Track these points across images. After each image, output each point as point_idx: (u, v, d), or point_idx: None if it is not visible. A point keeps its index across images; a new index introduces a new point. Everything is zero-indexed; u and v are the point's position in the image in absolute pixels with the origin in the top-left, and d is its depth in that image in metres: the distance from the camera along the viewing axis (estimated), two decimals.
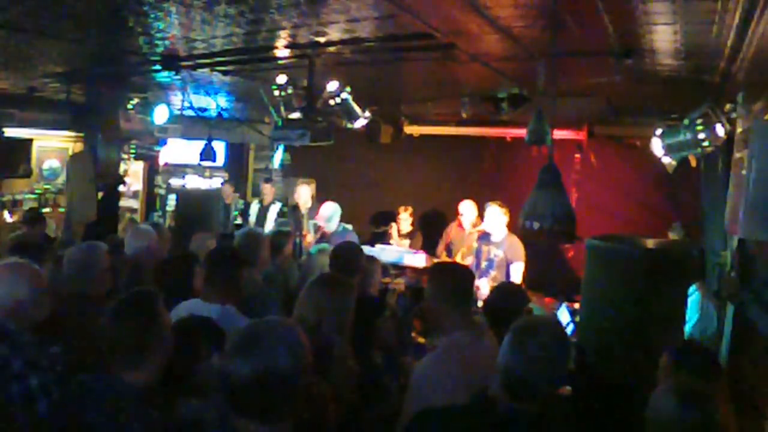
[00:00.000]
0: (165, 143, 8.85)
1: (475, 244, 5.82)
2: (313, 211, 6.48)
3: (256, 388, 1.57)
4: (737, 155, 3.56)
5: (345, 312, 2.69)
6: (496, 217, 5.58)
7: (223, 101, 6.82)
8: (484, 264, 5.59)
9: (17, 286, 2.45)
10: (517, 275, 5.37)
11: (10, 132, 6.49)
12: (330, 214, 5.90)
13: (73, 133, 7.77)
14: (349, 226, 6.05)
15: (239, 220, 8.26)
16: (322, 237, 5.91)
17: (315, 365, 1.72)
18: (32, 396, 2.26)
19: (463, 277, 2.73)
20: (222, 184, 8.98)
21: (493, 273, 5.44)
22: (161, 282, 3.28)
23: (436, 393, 2.32)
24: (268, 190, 8.11)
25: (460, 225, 6.39)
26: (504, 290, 3.52)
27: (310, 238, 6.35)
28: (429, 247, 6.55)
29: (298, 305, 2.74)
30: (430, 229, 7.12)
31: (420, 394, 2.40)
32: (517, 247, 5.46)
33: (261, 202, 8.10)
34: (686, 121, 3.97)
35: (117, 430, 1.92)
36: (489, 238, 5.67)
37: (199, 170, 9.26)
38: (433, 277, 2.76)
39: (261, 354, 1.58)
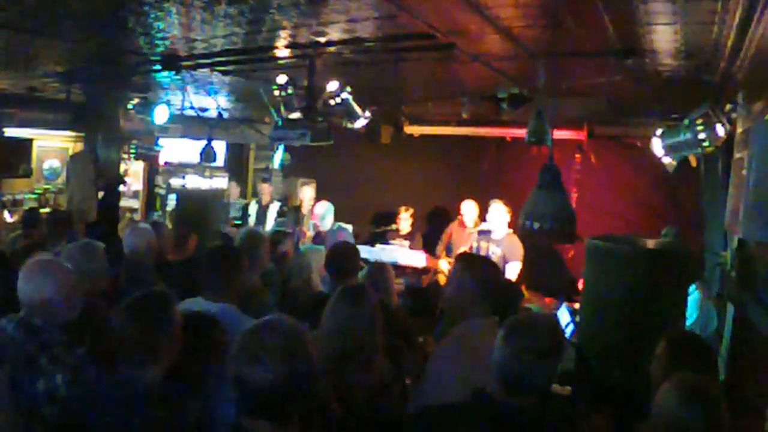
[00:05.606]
0: (165, 143, 8.84)
1: (475, 243, 5.80)
2: None
3: (271, 392, 1.57)
4: (737, 155, 3.56)
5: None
6: (499, 214, 5.58)
7: (223, 101, 6.81)
8: None
9: (45, 284, 2.43)
10: (512, 274, 5.35)
11: (10, 132, 6.49)
12: (323, 212, 6.03)
13: (73, 133, 7.74)
14: (348, 226, 6.07)
15: (235, 217, 8.27)
16: (317, 235, 5.99)
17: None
18: (58, 393, 2.26)
19: (492, 270, 2.78)
20: (228, 182, 9.05)
21: None
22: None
23: (452, 377, 2.35)
24: (265, 190, 8.14)
25: (462, 224, 6.38)
26: None
27: (309, 236, 6.40)
28: (429, 247, 6.55)
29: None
30: (430, 229, 7.12)
31: (435, 378, 2.44)
32: (517, 247, 5.45)
33: (259, 202, 8.11)
34: (686, 121, 3.96)
35: (124, 429, 1.93)
36: (489, 236, 5.66)
37: (199, 170, 9.26)
38: (462, 265, 2.77)
39: (277, 359, 1.57)
